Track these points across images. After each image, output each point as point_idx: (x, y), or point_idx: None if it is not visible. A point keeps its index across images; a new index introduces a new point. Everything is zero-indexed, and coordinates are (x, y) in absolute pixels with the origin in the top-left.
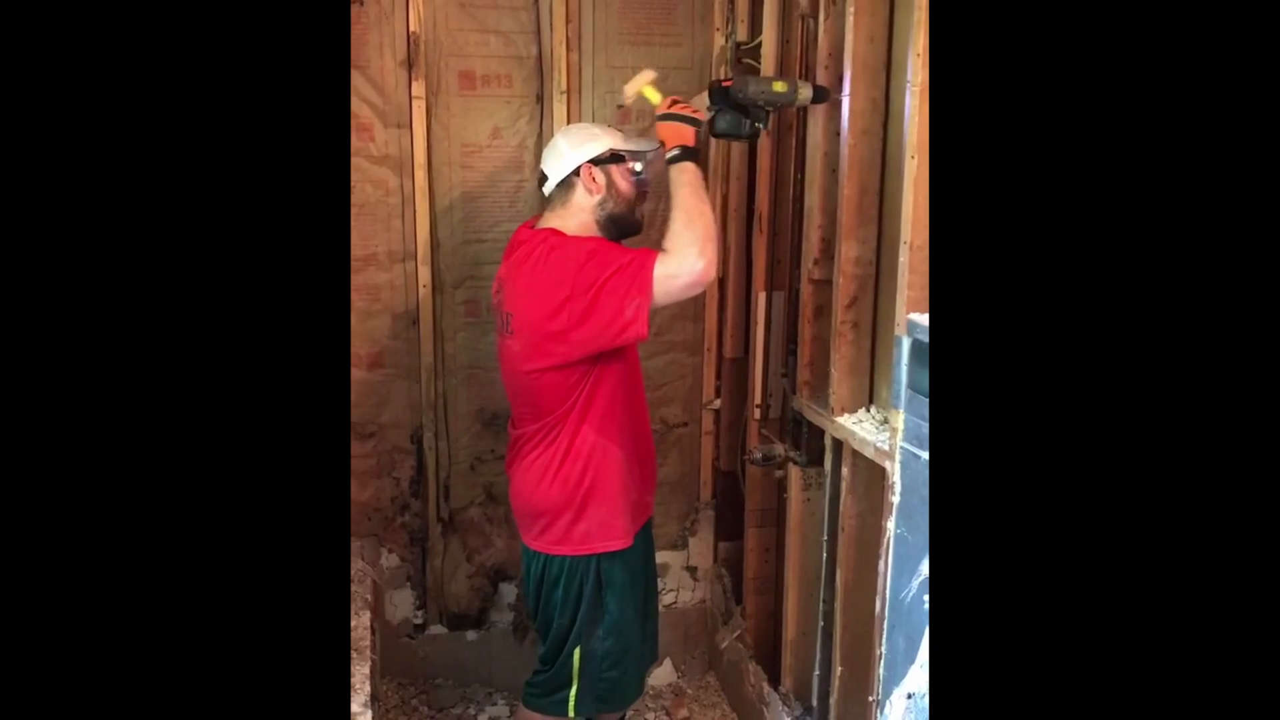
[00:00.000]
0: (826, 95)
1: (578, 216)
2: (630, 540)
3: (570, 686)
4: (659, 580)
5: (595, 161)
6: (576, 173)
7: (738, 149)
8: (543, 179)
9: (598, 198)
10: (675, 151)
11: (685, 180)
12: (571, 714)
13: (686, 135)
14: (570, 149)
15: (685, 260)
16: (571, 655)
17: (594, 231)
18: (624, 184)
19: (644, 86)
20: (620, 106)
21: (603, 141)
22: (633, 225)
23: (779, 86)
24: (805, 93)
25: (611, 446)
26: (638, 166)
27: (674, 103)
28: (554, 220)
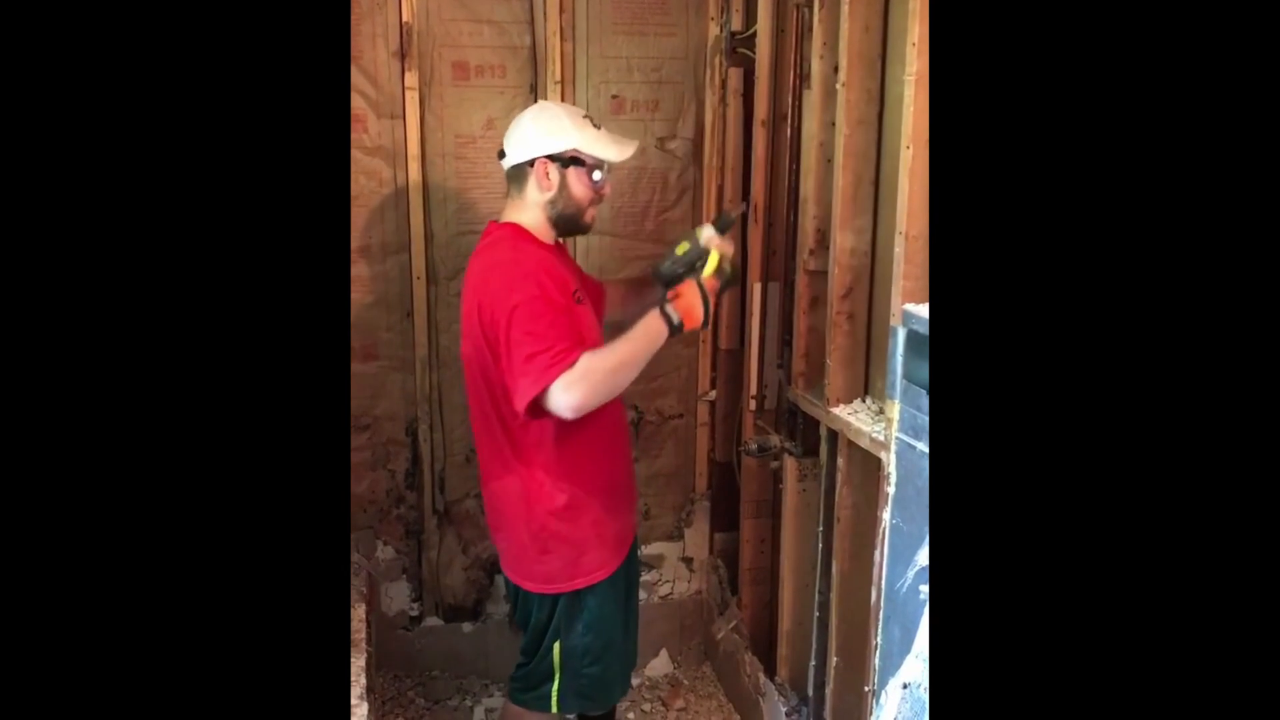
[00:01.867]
0: (730, 220)
1: (531, 211)
2: (605, 574)
3: (552, 681)
4: (655, 571)
5: (554, 158)
6: (532, 163)
7: (732, 141)
8: (502, 154)
9: (548, 195)
10: (670, 310)
11: (649, 336)
12: (555, 709)
13: (695, 316)
14: (534, 136)
15: (569, 396)
16: (551, 649)
17: (546, 229)
18: (578, 188)
19: (715, 251)
20: (614, 97)
21: (568, 138)
22: (581, 227)
23: (681, 249)
24: (706, 233)
25: (577, 491)
26: (597, 175)
27: (715, 290)
28: (512, 212)
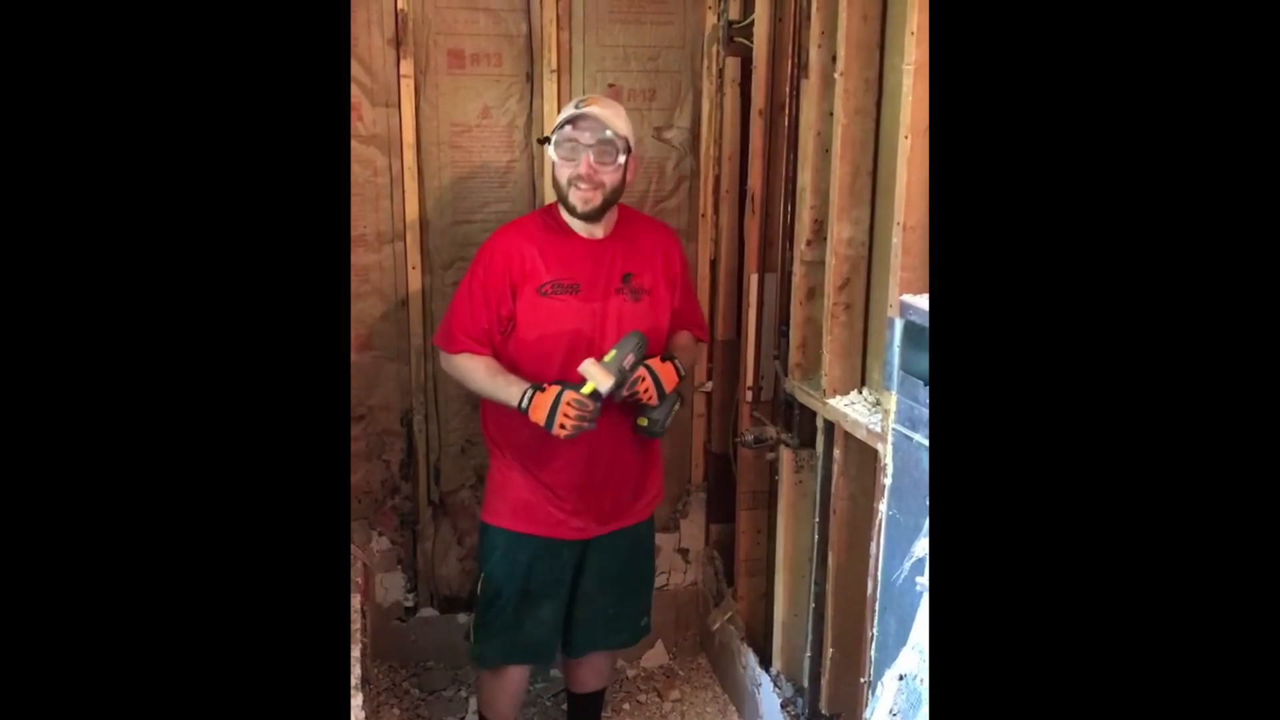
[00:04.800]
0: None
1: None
2: (496, 523)
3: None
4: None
5: (545, 140)
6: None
7: (729, 131)
8: None
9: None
10: (527, 399)
11: (502, 392)
12: (471, 637)
13: (537, 416)
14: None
15: (442, 362)
16: (480, 578)
17: (562, 210)
18: (556, 167)
19: (591, 382)
20: (610, 86)
21: (558, 119)
22: (568, 206)
23: (609, 357)
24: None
25: (500, 441)
26: (549, 149)
27: (574, 408)
28: None
